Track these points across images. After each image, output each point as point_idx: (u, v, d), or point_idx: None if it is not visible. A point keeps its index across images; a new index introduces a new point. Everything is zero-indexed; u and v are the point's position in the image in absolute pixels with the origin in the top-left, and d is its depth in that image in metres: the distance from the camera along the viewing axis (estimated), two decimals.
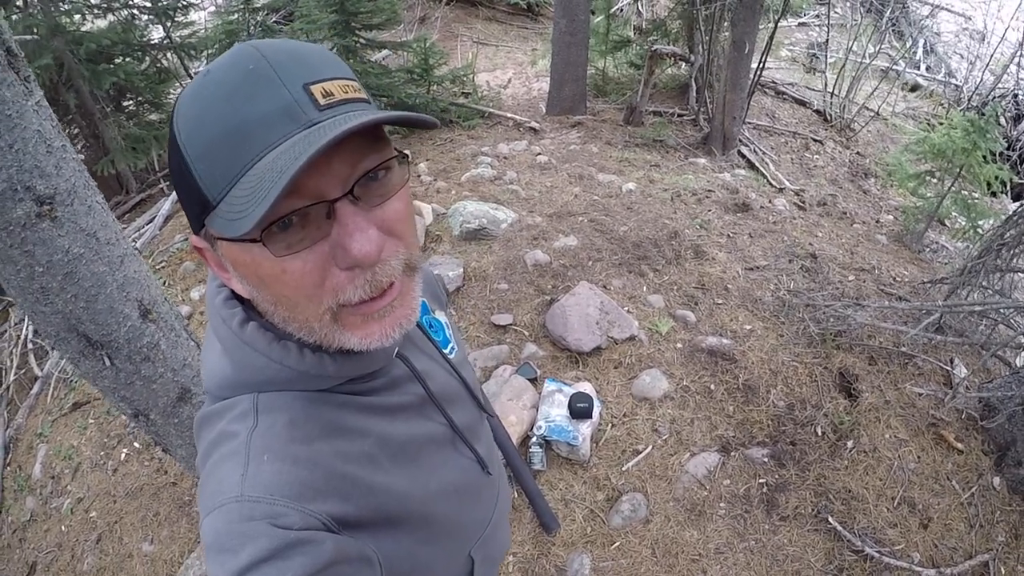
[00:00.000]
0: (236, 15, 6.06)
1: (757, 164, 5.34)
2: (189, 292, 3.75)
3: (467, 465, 0.78)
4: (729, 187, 4.44)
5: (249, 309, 0.61)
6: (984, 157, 3.63)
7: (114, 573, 2.47)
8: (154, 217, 4.75)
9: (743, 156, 5.47)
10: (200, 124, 0.48)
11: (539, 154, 4.98)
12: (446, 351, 0.83)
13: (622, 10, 8.15)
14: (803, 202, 4.64)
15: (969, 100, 7.11)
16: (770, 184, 5.01)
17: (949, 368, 2.65)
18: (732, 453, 2.39)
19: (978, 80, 7.32)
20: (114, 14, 5.21)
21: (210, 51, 5.79)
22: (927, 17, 9.05)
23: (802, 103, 6.67)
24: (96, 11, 5.06)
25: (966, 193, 3.92)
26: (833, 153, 5.92)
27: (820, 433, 2.44)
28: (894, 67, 7.67)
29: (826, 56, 7.06)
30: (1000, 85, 6.96)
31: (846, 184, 5.40)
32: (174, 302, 2.64)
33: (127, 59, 5.35)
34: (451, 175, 4.56)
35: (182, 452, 1.78)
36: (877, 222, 4.52)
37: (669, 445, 2.42)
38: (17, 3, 4.59)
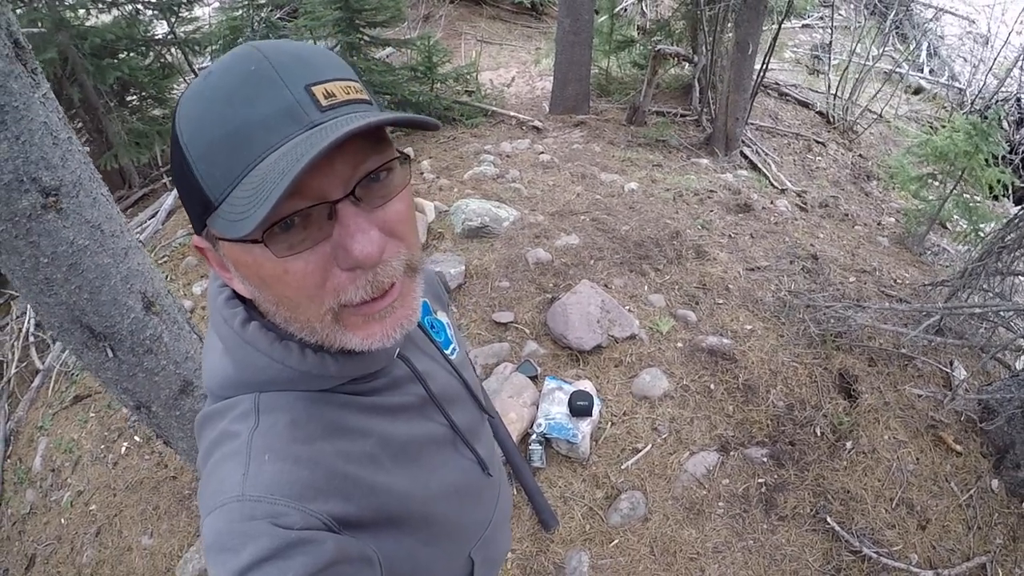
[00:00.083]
0: (240, 11, 6.06)
1: (759, 165, 5.35)
2: (191, 287, 3.76)
3: (468, 466, 0.78)
4: (731, 188, 4.44)
5: (251, 309, 0.61)
6: (986, 160, 3.63)
7: (113, 566, 2.48)
8: (156, 212, 4.75)
9: (745, 157, 5.48)
10: (202, 125, 0.48)
11: (542, 153, 4.99)
12: (447, 352, 0.83)
13: (626, 10, 8.15)
14: (805, 203, 4.64)
15: (972, 104, 7.10)
16: (772, 185, 5.01)
17: (948, 370, 2.65)
18: (731, 453, 2.40)
19: (981, 84, 7.31)
20: (119, 9, 5.21)
21: (214, 47, 5.79)
22: (931, 20, 9.04)
23: (805, 105, 6.67)
24: (101, 6, 5.05)
25: (968, 196, 3.92)
26: (835, 155, 5.91)
27: (819, 433, 2.44)
28: (897, 70, 7.66)
29: (829, 58, 7.05)
30: (1003, 89, 6.95)
31: (848, 186, 5.40)
32: (176, 296, 2.64)
33: (131, 54, 5.35)
34: (454, 173, 4.57)
35: (183, 445, 1.78)
36: (879, 224, 4.52)
37: (668, 444, 2.43)
38: None
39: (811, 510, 2.23)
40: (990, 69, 7.33)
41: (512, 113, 6.05)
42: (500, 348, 2.79)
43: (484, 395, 1.12)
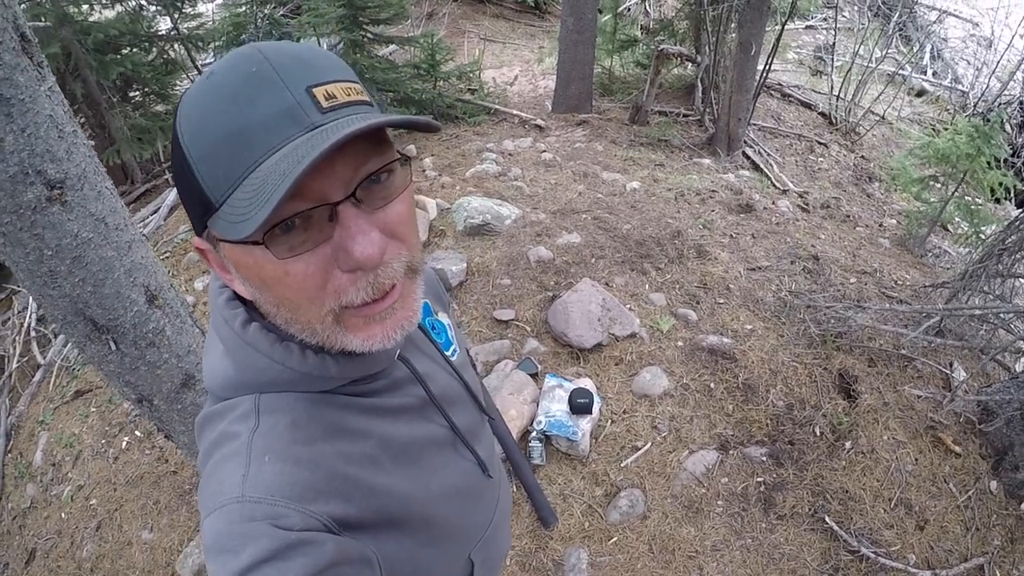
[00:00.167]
0: (244, 7, 6.06)
1: (761, 166, 5.35)
2: (193, 282, 3.76)
3: (468, 467, 0.78)
4: (733, 188, 4.44)
5: (251, 310, 0.61)
6: (988, 163, 3.62)
7: (113, 560, 2.49)
8: (159, 208, 4.76)
9: (747, 157, 5.48)
10: (203, 126, 0.48)
11: (544, 151, 4.99)
12: (448, 353, 0.82)
13: (629, 9, 8.14)
14: (806, 204, 4.64)
15: (975, 106, 7.10)
16: (774, 186, 5.02)
17: (948, 371, 2.66)
18: (731, 451, 2.40)
19: (984, 86, 7.30)
20: (122, 4, 5.22)
21: (217, 43, 5.79)
22: (934, 22, 9.02)
23: (808, 106, 6.67)
24: (104, 1, 5.06)
25: (969, 199, 3.93)
26: (838, 156, 5.91)
27: (819, 433, 2.45)
28: (900, 72, 7.66)
29: (832, 59, 7.04)
30: (1006, 92, 6.95)
31: (850, 187, 5.40)
32: (179, 291, 2.65)
33: (134, 50, 5.35)
34: (456, 171, 4.57)
35: (184, 439, 1.79)
36: (880, 226, 4.52)
37: (668, 442, 2.43)
38: None
39: (810, 509, 2.24)
40: (993, 72, 7.32)
41: (515, 111, 6.05)
42: (501, 345, 2.79)
43: (486, 394, 1.12)
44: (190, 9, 5.76)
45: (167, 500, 2.61)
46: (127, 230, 1.44)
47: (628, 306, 2.93)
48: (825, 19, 9.44)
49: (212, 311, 0.64)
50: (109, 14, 5.23)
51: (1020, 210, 3.51)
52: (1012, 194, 4.42)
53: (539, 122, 5.80)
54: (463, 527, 0.77)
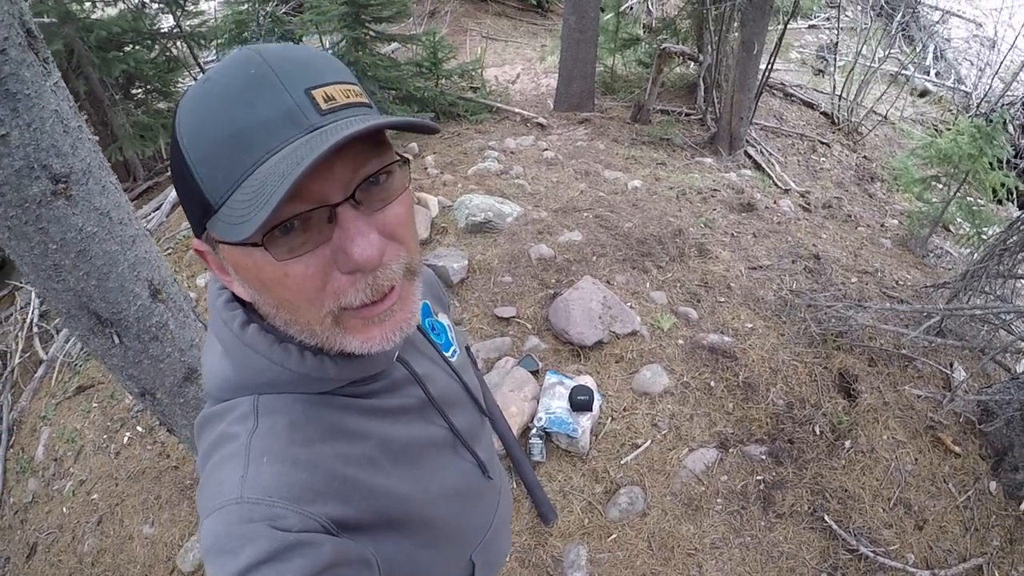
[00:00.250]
0: (246, 5, 6.05)
1: (763, 165, 5.35)
2: (195, 279, 3.78)
3: (468, 469, 0.78)
4: (734, 187, 4.44)
5: (250, 311, 0.61)
6: (990, 164, 3.62)
7: (114, 555, 2.50)
8: (161, 204, 4.77)
9: (749, 157, 5.48)
10: (202, 128, 0.48)
11: (546, 150, 5.00)
12: (447, 354, 0.82)
13: (632, 8, 8.14)
14: (808, 204, 4.64)
15: (978, 107, 7.09)
16: (776, 185, 5.02)
17: (948, 371, 2.66)
18: (730, 450, 2.41)
19: (987, 87, 7.29)
20: (125, 2, 5.23)
21: (219, 41, 5.80)
22: (938, 23, 9.01)
23: (810, 105, 6.66)
24: None
25: (971, 199, 3.92)
26: (840, 156, 5.91)
27: (818, 432, 2.45)
28: (903, 72, 7.64)
29: (835, 59, 7.04)
30: (1009, 92, 6.94)
31: (852, 187, 5.40)
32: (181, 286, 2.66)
33: (137, 47, 5.37)
34: (458, 168, 4.58)
35: (187, 433, 1.80)
36: (882, 226, 4.52)
37: (668, 440, 2.44)
38: None
39: (809, 508, 2.24)
40: (996, 72, 7.31)
41: (517, 110, 6.06)
42: (502, 342, 2.80)
43: (486, 391, 1.12)
44: (192, 7, 5.78)
45: (168, 495, 2.62)
46: (131, 225, 1.44)
47: (629, 304, 2.93)
48: (828, 18, 9.42)
49: (211, 312, 0.64)
50: (112, 11, 5.24)
51: (1022, 211, 3.52)
52: (1014, 195, 4.43)
53: (541, 120, 5.80)
54: (463, 528, 0.77)
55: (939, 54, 8.68)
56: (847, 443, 2.39)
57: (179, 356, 1.62)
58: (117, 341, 1.47)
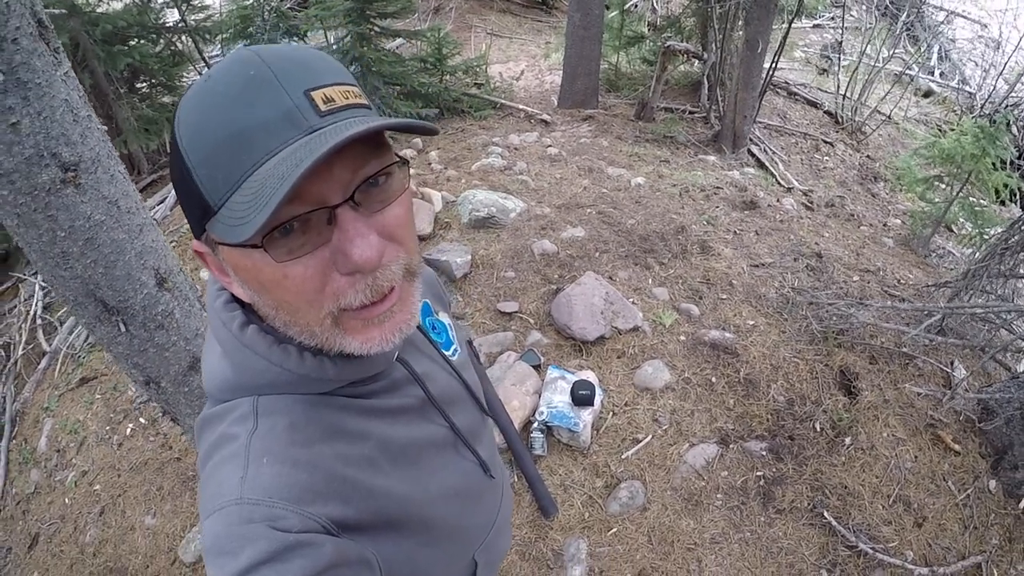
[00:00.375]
0: (251, 0, 6.07)
1: (766, 163, 5.35)
2: (199, 272, 3.79)
3: (469, 468, 0.78)
4: (738, 185, 4.45)
5: (249, 312, 0.61)
6: (993, 164, 3.62)
7: (116, 545, 2.51)
8: (165, 198, 4.79)
9: (753, 155, 5.48)
10: (201, 130, 0.48)
11: (549, 146, 5.00)
12: (448, 353, 0.82)
13: (636, 6, 8.14)
14: (811, 202, 4.64)
15: (982, 107, 7.08)
16: (779, 183, 5.02)
17: (949, 370, 2.66)
18: (731, 445, 2.42)
19: (992, 88, 7.28)
20: None
21: (224, 35, 5.79)
22: (942, 23, 9.00)
23: (814, 104, 6.66)
24: None
25: (974, 200, 3.93)
26: (843, 155, 5.91)
27: (819, 429, 2.46)
28: (907, 72, 7.64)
29: (839, 58, 7.03)
30: (1013, 93, 6.93)
31: (855, 186, 5.40)
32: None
33: (142, 41, 5.36)
34: (462, 164, 4.59)
35: (190, 422, 1.81)
36: (884, 225, 4.52)
37: (669, 435, 2.45)
38: None
39: (808, 504, 2.25)
40: (1000, 73, 7.30)
41: (521, 106, 6.06)
42: (504, 337, 2.81)
43: (488, 386, 1.12)
44: (198, 1, 5.78)
45: (170, 486, 2.64)
46: (138, 214, 1.46)
47: (631, 300, 2.94)
48: (832, 18, 9.41)
49: (210, 313, 0.64)
50: (117, 5, 5.25)
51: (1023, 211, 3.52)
52: (1017, 196, 4.43)
53: (545, 117, 5.81)
54: (464, 528, 0.77)
55: (943, 54, 8.67)
56: (847, 440, 2.40)
57: (184, 345, 1.63)
58: (123, 329, 1.49)
